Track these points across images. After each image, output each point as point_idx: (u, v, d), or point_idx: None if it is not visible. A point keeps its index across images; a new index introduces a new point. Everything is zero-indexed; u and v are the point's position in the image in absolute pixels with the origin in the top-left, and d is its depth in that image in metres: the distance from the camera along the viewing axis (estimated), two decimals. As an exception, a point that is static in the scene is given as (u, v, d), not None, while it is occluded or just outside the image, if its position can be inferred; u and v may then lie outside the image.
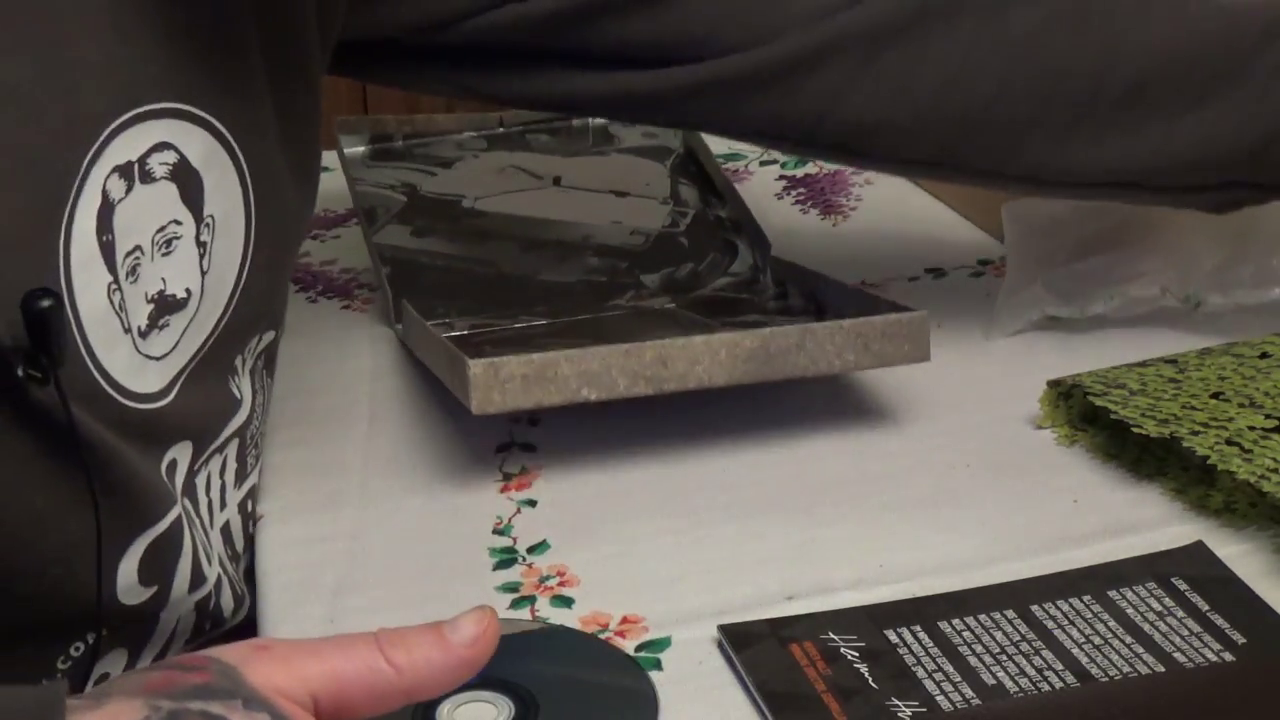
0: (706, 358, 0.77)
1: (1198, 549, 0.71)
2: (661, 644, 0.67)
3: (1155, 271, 0.92)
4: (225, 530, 0.77)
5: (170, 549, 0.71)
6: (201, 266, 0.71)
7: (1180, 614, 0.66)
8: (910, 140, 0.85)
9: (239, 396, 0.77)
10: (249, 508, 0.79)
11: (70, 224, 0.64)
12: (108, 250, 0.65)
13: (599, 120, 1.17)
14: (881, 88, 0.83)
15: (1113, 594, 0.68)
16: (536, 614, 0.70)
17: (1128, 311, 0.92)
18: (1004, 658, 0.64)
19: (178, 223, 0.69)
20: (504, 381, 0.74)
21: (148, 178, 0.67)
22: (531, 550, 0.75)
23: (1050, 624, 0.66)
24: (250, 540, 0.79)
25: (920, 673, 0.63)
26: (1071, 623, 0.66)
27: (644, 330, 0.92)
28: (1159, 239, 0.92)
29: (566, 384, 0.75)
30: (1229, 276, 0.91)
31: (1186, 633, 0.65)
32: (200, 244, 0.71)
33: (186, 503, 0.73)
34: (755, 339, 0.77)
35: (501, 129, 1.19)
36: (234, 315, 0.74)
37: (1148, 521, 0.74)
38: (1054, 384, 0.83)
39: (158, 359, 0.70)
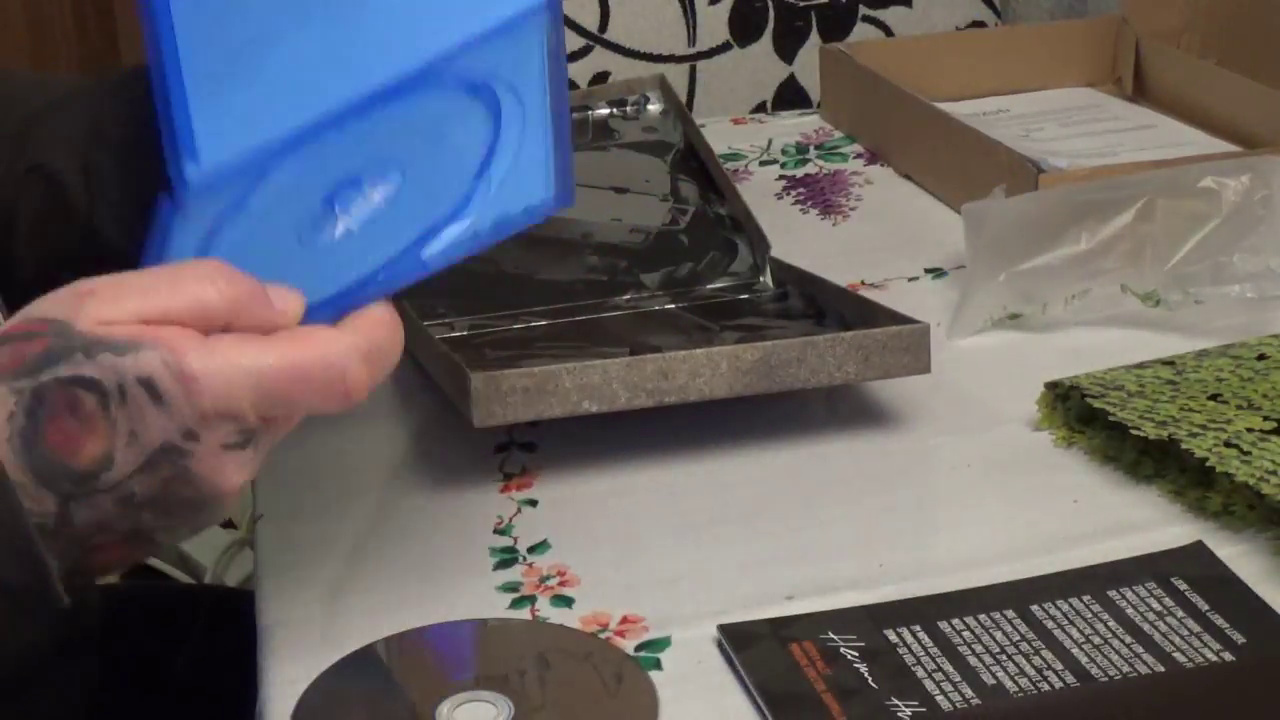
0: (707, 370, 0.77)
1: (1197, 549, 0.71)
2: (661, 644, 0.67)
3: (1115, 269, 0.93)
4: None
5: None
6: None
7: (1180, 614, 0.66)
8: None
9: None
10: None
11: None
12: None
13: (599, 114, 1.17)
14: None
15: (1112, 594, 0.68)
16: (536, 614, 0.70)
17: (1089, 310, 0.93)
18: (1004, 657, 0.64)
19: None
20: (505, 394, 0.75)
21: None
22: (532, 550, 0.75)
23: (1050, 624, 0.66)
24: None
25: (920, 672, 0.63)
26: (1071, 623, 0.66)
27: (644, 332, 0.92)
28: (1119, 237, 0.93)
29: (567, 396, 0.76)
30: (1188, 274, 0.92)
31: (1186, 633, 0.65)
32: None
33: None
34: (756, 352, 0.78)
35: (501, 125, 1.19)
36: None
37: (1147, 522, 0.74)
38: (1051, 386, 0.83)
39: None
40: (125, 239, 0.80)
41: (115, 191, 0.81)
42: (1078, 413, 0.82)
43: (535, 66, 0.66)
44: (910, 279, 1.03)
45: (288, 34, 0.70)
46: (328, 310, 0.63)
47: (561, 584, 0.72)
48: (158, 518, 0.56)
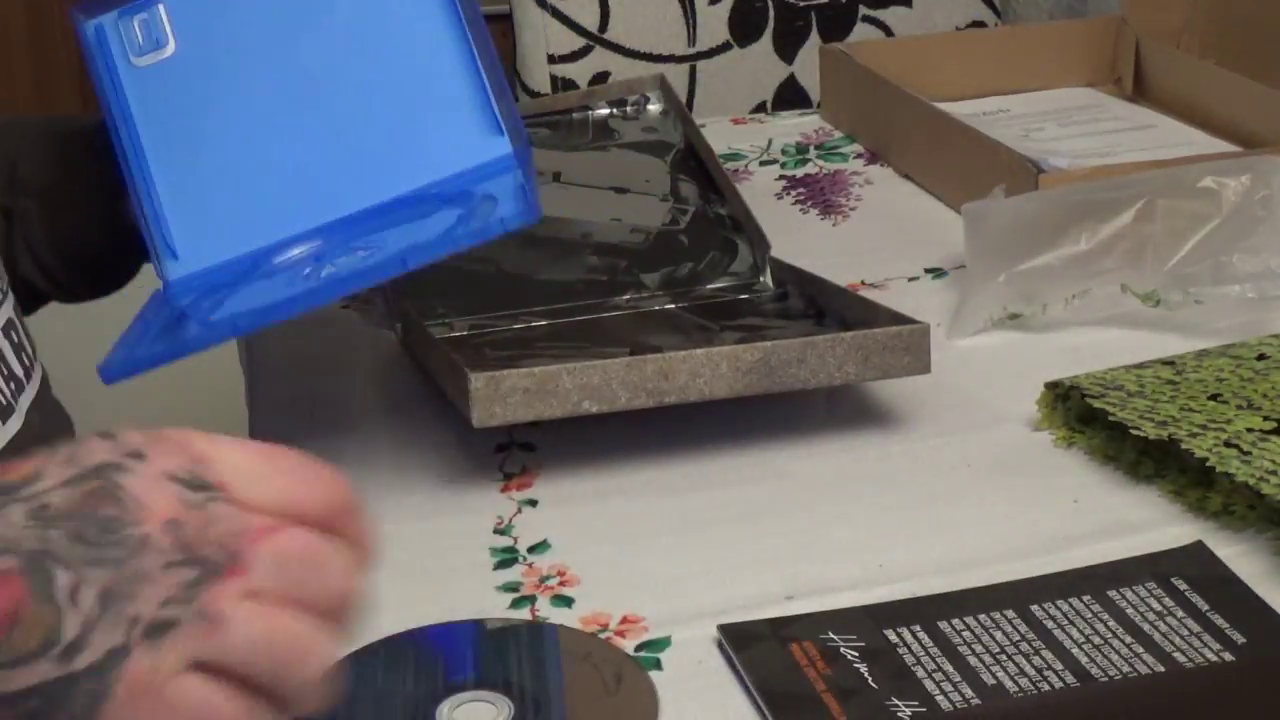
0: (708, 370, 0.77)
1: (1197, 549, 0.71)
2: (661, 644, 0.67)
3: (1115, 269, 0.93)
4: None
5: None
6: None
7: (1180, 614, 0.66)
8: None
9: None
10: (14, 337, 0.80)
11: None
12: None
13: (599, 114, 1.17)
14: None
15: (1112, 594, 0.68)
16: (537, 614, 0.70)
17: (1089, 310, 0.93)
18: (1004, 657, 0.64)
19: None
20: (505, 395, 0.75)
21: None
22: (532, 550, 0.75)
23: (1050, 624, 0.66)
24: (29, 367, 0.79)
25: (920, 672, 0.63)
26: (1071, 622, 0.66)
27: (644, 332, 0.92)
28: (1119, 237, 0.93)
29: (567, 397, 0.76)
30: (1188, 274, 0.92)
31: (1186, 633, 0.65)
32: None
33: None
34: (757, 352, 0.78)
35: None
36: None
37: (1147, 522, 0.74)
38: (1052, 386, 0.83)
39: None
40: (44, 282, 0.87)
41: (39, 239, 0.85)
42: (1078, 413, 0.82)
43: (510, 188, 0.73)
44: (910, 279, 1.03)
45: (266, 160, 0.78)
46: (298, 304, 0.69)
47: (561, 584, 0.72)
48: (66, 539, 0.47)
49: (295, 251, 0.76)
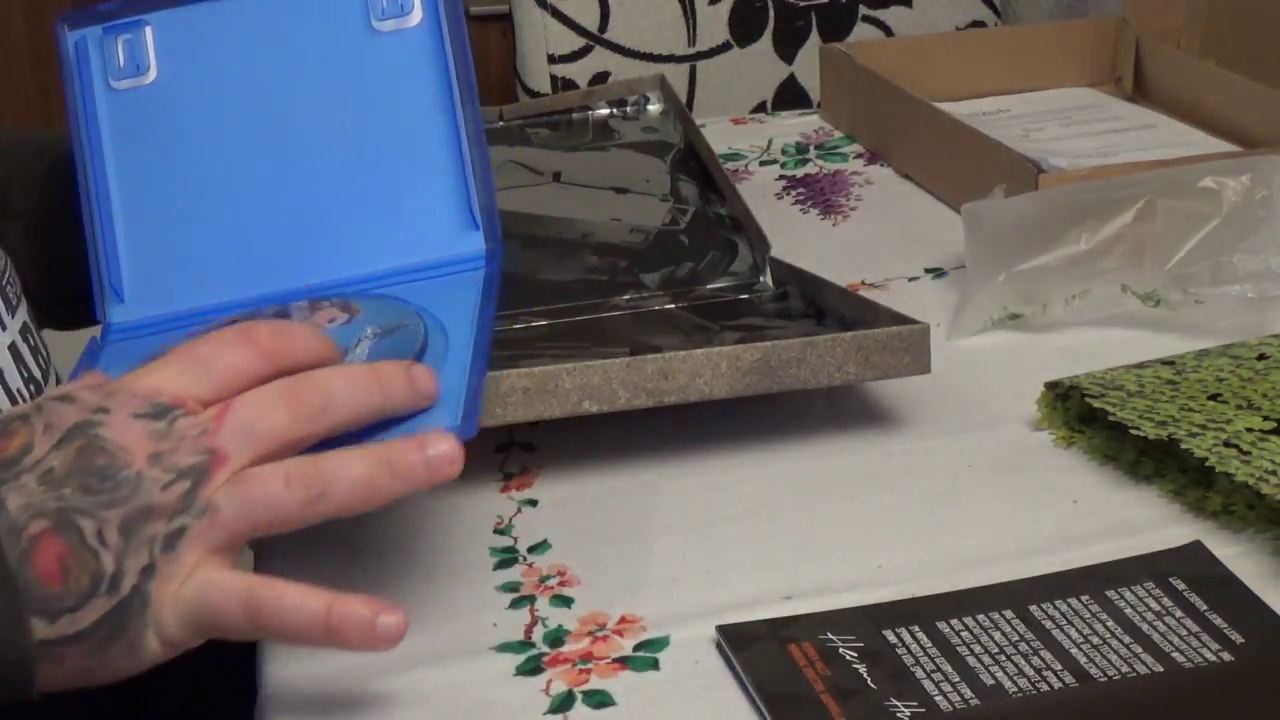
0: (708, 370, 0.77)
1: (1196, 549, 0.71)
2: (660, 644, 0.67)
3: (1115, 269, 0.93)
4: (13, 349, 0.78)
5: None
6: None
7: (1179, 614, 0.66)
8: None
9: None
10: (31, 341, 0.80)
11: None
12: None
13: (599, 114, 1.17)
14: None
15: (1111, 594, 0.68)
16: (536, 614, 0.70)
17: (1090, 310, 0.93)
18: (1002, 658, 0.64)
19: None
20: (505, 395, 0.75)
21: None
22: (532, 550, 0.75)
23: (1049, 624, 0.66)
24: (45, 370, 0.80)
25: (919, 673, 0.63)
26: (1070, 623, 0.66)
27: (644, 332, 0.92)
28: (1119, 237, 0.93)
29: (567, 397, 0.76)
30: (1188, 274, 0.92)
31: (1185, 633, 0.65)
32: None
33: None
34: (757, 352, 0.78)
35: (501, 123, 1.19)
36: None
37: (1146, 522, 0.74)
38: (1051, 385, 0.83)
39: None
40: (30, 307, 0.84)
41: (24, 264, 0.84)
42: (1078, 413, 0.82)
43: (467, 314, 0.70)
44: (910, 279, 1.03)
45: (230, 214, 0.75)
46: None
47: (561, 584, 0.72)
48: (77, 493, 0.56)
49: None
